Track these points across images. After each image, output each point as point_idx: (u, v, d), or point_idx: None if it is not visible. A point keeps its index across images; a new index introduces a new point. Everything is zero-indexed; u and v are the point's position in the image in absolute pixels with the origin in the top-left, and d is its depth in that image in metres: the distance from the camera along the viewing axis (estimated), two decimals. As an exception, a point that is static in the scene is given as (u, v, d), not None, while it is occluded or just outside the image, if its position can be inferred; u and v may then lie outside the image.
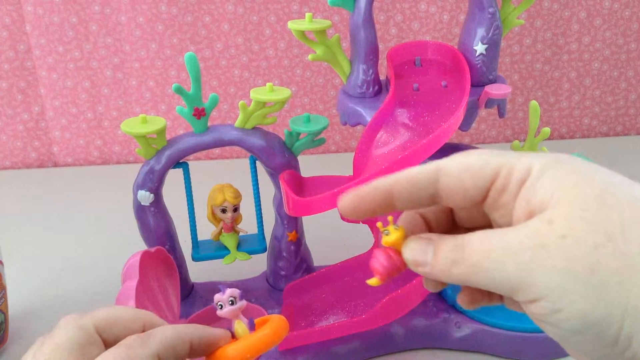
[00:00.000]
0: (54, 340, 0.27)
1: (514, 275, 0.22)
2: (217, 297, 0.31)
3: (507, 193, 0.25)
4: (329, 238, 0.76)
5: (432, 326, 0.58)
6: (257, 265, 0.66)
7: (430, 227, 0.29)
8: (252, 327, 0.31)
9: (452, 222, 0.30)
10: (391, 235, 0.27)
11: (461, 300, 0.29)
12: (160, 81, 1.00)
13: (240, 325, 0.31)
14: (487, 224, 0.28)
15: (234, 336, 0.31)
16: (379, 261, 0.27)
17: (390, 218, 0.27)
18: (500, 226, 0.26)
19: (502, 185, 0.25)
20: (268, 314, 0.57)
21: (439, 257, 0.25)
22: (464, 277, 0.24)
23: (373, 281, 0.28)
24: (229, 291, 0.31)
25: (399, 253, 0.27)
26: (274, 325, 0.30)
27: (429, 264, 0.25)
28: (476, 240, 0.24)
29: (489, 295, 0.29)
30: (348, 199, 0.27)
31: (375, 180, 0.27)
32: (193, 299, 0.63)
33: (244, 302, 0.31)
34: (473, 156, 0.26)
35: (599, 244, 0.21)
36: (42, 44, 0.96)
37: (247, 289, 0.65)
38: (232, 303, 0.31)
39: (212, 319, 0.57)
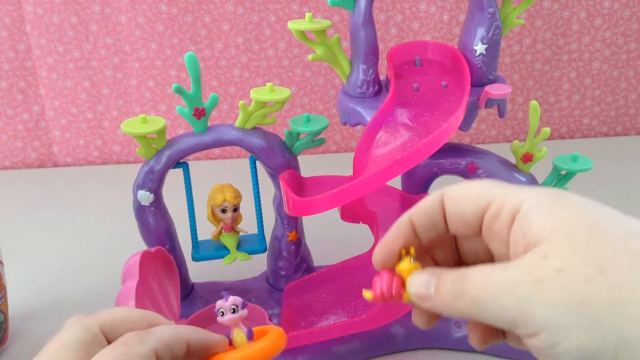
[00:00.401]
0: (60, 340, 0.27)
1: (511, 310, 0.23)
2: (220, 303, 0.31)
3: (499, 221, 0.26)
4: (329, 238, 0.76)
5: (432, 326, 0.58)
6: (257, 265, 0.66)
7: (438, 263, 0.31)
8: (250, 336, 0.31)
9: (458, 259, 0.31)
10: (404, 264, 0.28)
11: (472, 341, 0.30)
12: (160, 81, 1.00)
13: (239, 334, 0.31)
14: (491, 260, 0.29)
15: (231, 343, 0.31)
16: (380, 284, 0.28)
17: (412, 250, 0.29)
18: (498, 257, 0.28)
19: (495, 213, 0.26)
20: (268, 314, 0.57)
21: (441, 291, 0.26)
22: (465, 310, 0.25)
23: (367, 294, 0.29)
24: (231, 299, 0.31)
25: (402, 285, 0.28)
26: (272, 338, 0.30)
27: (432, 297, 0.26)
28: (476, 274, 0.25)
29: (495, 333, 0.29)
30: (378, 251, 0.29)
31: (394, 223, 0.29)
32: (193, 299, 0.63)
33: (245, 312, 0.31)
34: (474, 184, 0.28)
35: (591, 277, 0.22)
36: (42, 44, 0.96)
37: (247, 289, 0.65)
38: (234, 311, 0.31)
39: (211, 320, 0.57)
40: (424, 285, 0.27)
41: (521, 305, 0.23)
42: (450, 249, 0.31)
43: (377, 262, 0.29)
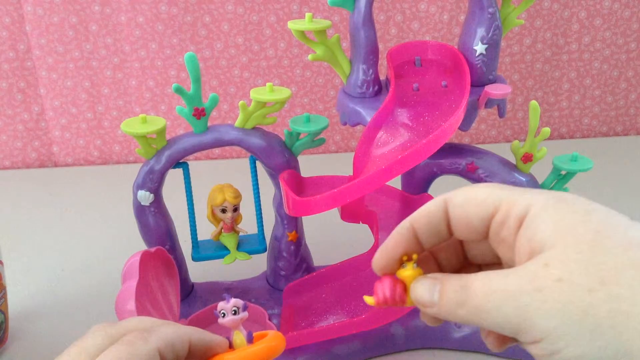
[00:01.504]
0: (82, 344, 0.27)
1: (513, 318, 0.23)
2: (221, 305, 0.31)
3: (507, 228, 0.26)
4: (329, 238, 0.76)
5: (432, 326, 0.58)
6: (257, 265, 0.66)
7: (442, 266, 0.31)
8: (250, 339, 0.31)
9: (464, 259, 0.31)
10: (406, 270, 0.28)
11: (489, 346, 0.29)
12: (160, 81, 1.00)
13: (238, 336, 0.31)
14: (498, 261, 0.29)
15: (231, 345, 0.31)
16: (383, 289, 0.28)
17: (415, 256, 0.28)
18: (505, 262, 0.27)
19: (502, 219, 0.26)
20: (268, 314, 0.57)
21: (445, 299, 0.26)
22: (469, 318, 0.25)
23: (369, 299, 0.29)
24: (233, 301, 0.31)
25: (405, 289, 0.28)
26: (271, 340, 0.30)
27: (436, 304, 0.26)
28: (478, 282, 0.25)
29: (509, 337, 0.29)
30: (378, 257, 0.29)
31: (395, 228, 0.29)
32: (193, 299, 0.63)
33: (246, 314, 0.31)
34: (478, 188, 0.27)
35: (592, 287, 0.22)
36: (42, 44, 0.96)
37: (247, 289, 0.65)
38: (235, 313, 0.31)
39: (211, 320, 0.57)
40: (428, 292, 0.27)
41: (523, 314, 0.23)
42: (455, 251, 0.31)
43: (378, 268, 0.29)
